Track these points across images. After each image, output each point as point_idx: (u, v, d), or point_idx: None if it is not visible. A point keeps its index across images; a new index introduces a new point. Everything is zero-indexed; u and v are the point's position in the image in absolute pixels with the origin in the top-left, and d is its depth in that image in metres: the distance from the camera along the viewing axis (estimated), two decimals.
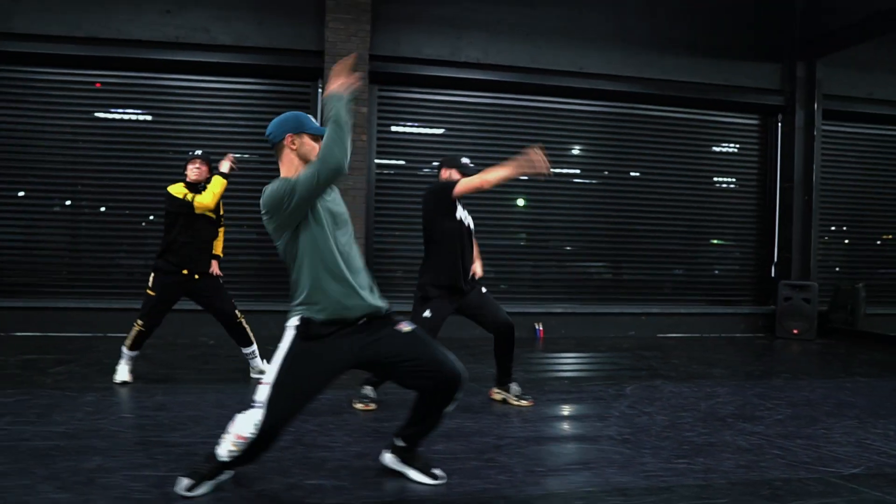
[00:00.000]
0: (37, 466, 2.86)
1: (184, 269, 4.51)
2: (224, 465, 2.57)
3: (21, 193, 6.95)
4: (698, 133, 8.44)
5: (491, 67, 7.57)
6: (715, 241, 8.58)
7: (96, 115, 7.03)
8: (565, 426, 3.89)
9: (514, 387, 4.26)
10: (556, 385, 4.88)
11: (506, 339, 4.14)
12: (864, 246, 9.06)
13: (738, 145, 8.61)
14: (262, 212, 2.50)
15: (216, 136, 7.12)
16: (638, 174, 8.29)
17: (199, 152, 4.66)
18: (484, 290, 4.20)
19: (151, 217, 7.11)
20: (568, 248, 8.18)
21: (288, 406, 2.47)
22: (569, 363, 6.06)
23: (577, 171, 8.26)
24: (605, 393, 4.58)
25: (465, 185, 3.83)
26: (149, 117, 7.13)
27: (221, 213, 4.79)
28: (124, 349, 4.55)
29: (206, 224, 4.59)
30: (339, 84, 2.46)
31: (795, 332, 7.75)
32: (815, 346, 7.34)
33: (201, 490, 2.56)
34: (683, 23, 8.09)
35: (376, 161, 7.49)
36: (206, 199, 4.45)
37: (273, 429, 2.44)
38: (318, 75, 7.18)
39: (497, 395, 4.30)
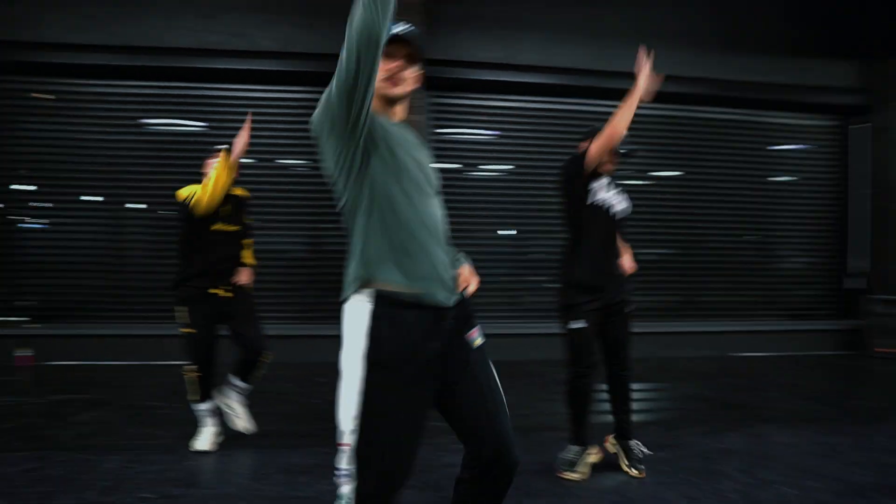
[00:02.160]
0: None
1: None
2: None
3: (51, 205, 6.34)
4: (767, 137, 7.42)
5: (548, 70, 6.70)
6: (786, 253, 7.58)
7: (135, 126, 6.36)
8: None
9: (633, 444, 3.24)
10: (649, 431, 3.90)
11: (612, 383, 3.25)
12: None
13: (811, 149, 7.55)
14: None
15: (261, 145, 6.38)
16: (704, 184, 7.31)
17: (225, 146, 3.49)
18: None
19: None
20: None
21: None
22: (652, 395, 5.10)
23: (641, 183, 7.22)
24: (706, 446, 3.64)
25: (595, 147, 2.86)
26: (189, 127, 6.43)
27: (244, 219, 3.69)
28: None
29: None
30: None
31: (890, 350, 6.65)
32: None
33: None
34: (752, 21, 7.08)
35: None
36: (201, 192, 3.33)
37: None
38: None
39: (611, 446, 3.36)
